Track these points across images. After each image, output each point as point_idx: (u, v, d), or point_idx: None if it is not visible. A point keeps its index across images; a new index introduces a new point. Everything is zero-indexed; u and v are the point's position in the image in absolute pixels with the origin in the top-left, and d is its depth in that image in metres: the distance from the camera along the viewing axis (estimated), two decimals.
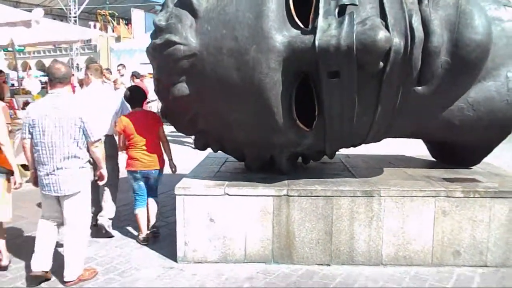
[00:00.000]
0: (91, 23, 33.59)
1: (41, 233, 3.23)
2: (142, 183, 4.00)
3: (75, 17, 22.25)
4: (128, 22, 24.60)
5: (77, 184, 3.15)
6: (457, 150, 4.16)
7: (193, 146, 5.87)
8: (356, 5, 2.95)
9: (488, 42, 3.08)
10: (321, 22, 2.94)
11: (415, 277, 3.30)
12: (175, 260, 3.50)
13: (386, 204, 3.38)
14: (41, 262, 3.15)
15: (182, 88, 3.28)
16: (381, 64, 2.90)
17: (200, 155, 4.76)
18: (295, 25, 3.05)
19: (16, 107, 6.73)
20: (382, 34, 2.76)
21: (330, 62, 2.89)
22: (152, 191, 4.10)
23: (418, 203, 3.38)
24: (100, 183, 3.53)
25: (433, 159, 4.62)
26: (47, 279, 3.22)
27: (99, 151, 3.29)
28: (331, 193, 3.40)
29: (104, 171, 3.42)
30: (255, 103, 3.11)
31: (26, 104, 7.14)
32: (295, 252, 3.45)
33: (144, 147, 3.86)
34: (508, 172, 4.17)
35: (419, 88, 3.13)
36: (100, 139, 3.32)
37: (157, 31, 3.34)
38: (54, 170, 3.07)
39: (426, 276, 3.30)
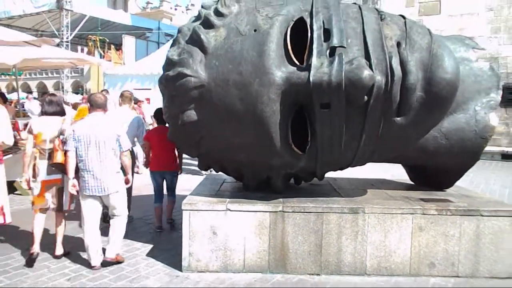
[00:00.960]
0: (80, 47, 34.21)
1: (88, 230, 3.98)
2: (159, 182, 5.18)
3: (67, 41, 22.71)
4: (118, 48, 25.06)
5: (115, 185, 3.97)
6: (432, 174, 4.64)
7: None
8: (344, 47, 3.44)
9: (456, 80, 3.58)
10: (314, 60, 3.41)
11: (395, 285, 3.71)
12: (180, 269, 3.85)
13: (370, 220, 3.82)
14: (98, 256, 3.95)
15: (191, 114, 3.71)
16: (366, 98, 3.37)
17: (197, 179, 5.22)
18: (292, 63, 3.52)
19: (20, 129, 7.04)
20: (366, 72, 3.24)
21: (322, 95, 3.36)
22: (170, 190, 5.22)
23: (398, 220, 3.82)
24: (126, 186, 4.19)
25: (412, 183, 5.10)
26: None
27: (128, 160, 4.13)
28: (321, 209, 3.83)
29: (130, 176, 4.24)
30: (256, 129, 3.54)
31: (26, 125, 7.50)
32: (289, 262, 3.85)
33: (163, 153, 5.00)
34: (477, 194, 4.67)
35: (398, 119, 3.60)
36: (128, 149, 4.10)
37: (170, 64, 3.77)
38: (97, 175, 3.88)
39: (405, 285, 3.72)
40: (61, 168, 4.00)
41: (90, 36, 25.53)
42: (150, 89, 14.11)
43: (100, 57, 33.56)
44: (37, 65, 11.36)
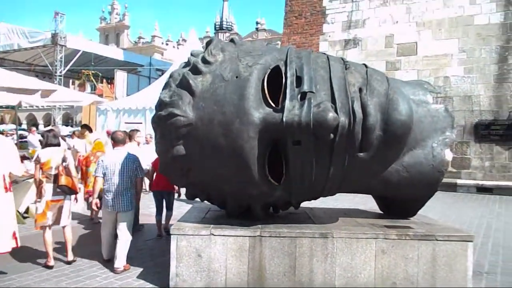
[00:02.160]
0: (71, 81, 34.84)
1: (104, 233, 5.19)
2: (160, 199, 6.49)
3: (60, 75, 23.31)
4: (110, 82, 25.70)
5: (129, 205, 5.10)
6: (397, 204, 5.15)
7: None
8: (313, 92, 4.00)
9: (410, 121, 4.14)
10: (287, 103, 3.95)
11: None
12: None
13: (338, 244, 4.30)
14: (108, 251, 5.14)
15: (180, 149, 4.20)
16: (332, 136, 3.90)
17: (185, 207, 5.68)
18: (268, 105, 4.06)
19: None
20: (331, 115, 3.78)
21: (294, 133, 3.88)
22: (167, 206, 6.59)
23: (363, 244, 4.30)
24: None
25: (381, 212, 5.60)
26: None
27: (140, 184, 5.38)
28: (295, 234, 4.30)
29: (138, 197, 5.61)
30: (237, 162, 4.04)
31: (24, 158, 7.95)
32: (266, 282, 4.28)
33: (162, 177, 5.56)
34: (437, 222, 5.16)
35: (361, 154, 4.12)
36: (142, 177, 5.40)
37: (162, 104, 4.28)
38: (117, 196, 5.02)
39: None
40: (65, 190, 4.82)
41: (83, 70, 26.15)
42: (141, 122, 14.64)
43: (92, 90, 34.25)
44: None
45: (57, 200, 4.92)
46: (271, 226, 4.43)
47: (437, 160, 4.61)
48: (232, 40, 4.72)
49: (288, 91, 4.03)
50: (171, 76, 4.46)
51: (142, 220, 6.91)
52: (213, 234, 4.28)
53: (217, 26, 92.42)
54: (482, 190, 12.84)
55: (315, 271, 4.28)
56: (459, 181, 13.12)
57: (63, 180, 4.81)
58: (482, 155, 13.22)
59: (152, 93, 15.48)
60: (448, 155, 4.70)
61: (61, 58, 23.35)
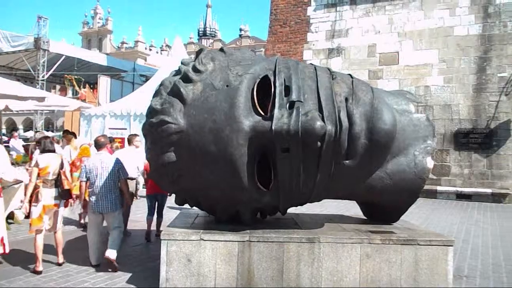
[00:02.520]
0: (52, 85, 34.44)
1: (91, 236, 5.28)
2: (153, 201, 6.76)
3: (42, 80, 23.08)
4: (93, 87, 25.51)
5: (115, 206, 5.29)
6: (380, 210, 5.31)
7: None
8: (301, 101, 4.14)
9: (393, 130, 4.30)
10: (276, 112, 4.08)
11: None
12: None
13: (324, 249, 4.43)
14: (96, 255, 5.21)
15: (171, 156, 4.29)
16: (319, 144, 4.04)
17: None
18: (258, 113, 4.18)
19: None
20: (318, 123, 3.92)
21: (283, 141, 4.01)
22: (159, 209, 6.85)
23: (348, 248, 4.44)
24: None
25: (365, 218, 5.75)
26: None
27: (124, 185, 5.51)
28: (282, 239, 4.41)
29: (127, 200, 5.76)
30: (227, 168, 4.14)
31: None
32: (255, 286, 4.38)
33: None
34: (419, 227, 5.34)
35: (347, 161, 4.27)
36: (125, 178, 5.54)
37: (153, 112, 4.37)
38: (101, 198, 5.21)
39: None
40: (66, 194, 5.10)
41: (66, 75, 25.92)
42: (125, 128, 14.61)
43: (73, 95, 33.89)
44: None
45: (54, 205, 5.12)
46: (259, 232, 4.53)
47: (419, 167, 4.77)
48: (222, 50, 4.83)
49: (277, 100, 4.16)
50: (162, 84, 4.55)
51: (129, 226, 6.94)
52: (202, 239, 4.37)
53: (200, 33, 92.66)
54: (461, 196, 13.16)
55: (302, 275, 4.40)
56: (439, 188, 13.42)
57: (66, 184, 5.17)
58: (461, 162, 13.56)
59: (136, 99, 15.49)
60: (430, 163, 4.88)
61: (43, 62, 23.11)
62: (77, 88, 25.21)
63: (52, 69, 23.56)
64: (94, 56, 28.54)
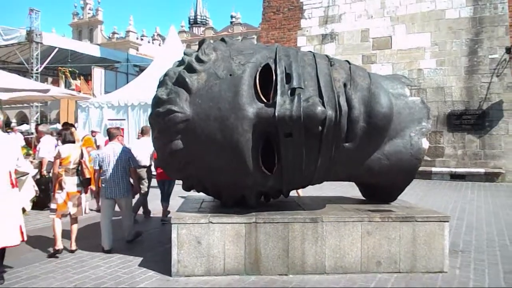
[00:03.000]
0: (45, 78, 34.34)
1: (104, 221, 5.61)
2: (163, 187, 7.30)
3: (36, 73, 23.06)
4: (87, 79, 25.52)
5: (126, 192, 5.75)
6: (379, 190, 5.54)
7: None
8: (302, 88, 4.33)
9: (390, 113, 4.51)
10: (279, 99, 4.27)
11: (349, 281, 4.52)
12: (170, 275, 4.54)
13: (327, 228, 4.66)
14: (108, 240, 5.51)
15: (178, 144, 4.47)
16: (320, 128, 4.24)
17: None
18: (261, 100, 4.37)
19: None
20: (319, 108, 4.12)
21: (286, 126, 4.20)
22: (166, 195, 7.31)
23: (350, 226, 4.68)
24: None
25: (363, 198, 5.99)
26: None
27: (134, 174, 5.95)
28: (287, 220, 4.64)
29: (135, 188, 6.12)
30: (233, 154, 4.34)
31: None
32: (262, 265, 4.61)
33: None
34: (416, 205, 5.59)
35: (347, 144, 4.48)
36: (135, 167, 6.03)
37: (159, 102, 4.54)
38: (113, 185, 5.64)
39: (356, 280, 4.54)
40: (87, 182, 5.53)
41: (59, 67, 25.88)
42: (124, 119, 14.75)
43: (66, 87, 33.81)
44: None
45: (76, 192, 5.56)
46: (265, 213, 4.75)
47: (415, 148, 4.98)
48: (223, 40, 5.00)
49: (278, 87, 4.34)
50: (166, 74, 4.71)
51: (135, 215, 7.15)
52: (211, 222, 4.58)
53: (191, 21, 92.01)
54: (455, 177, 13.46)
55: (306, 253, 4.63)
56: (433, 169, 13.72)
57: (87, 173, 5.62)
58: (455, 143, 13.84)
59: (133, 90, 15.60)
60: (425, 144, 5.09)
61: (37, 55, 23.08)
62: (71, 80, 25.17)
63: (46, 62, 23.53)
64: (87, 48, 28.50)
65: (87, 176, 5.61)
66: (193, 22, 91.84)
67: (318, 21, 16.14)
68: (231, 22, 71.27)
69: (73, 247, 5.46)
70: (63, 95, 10.27)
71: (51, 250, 5.42)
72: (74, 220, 5.62)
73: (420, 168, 6.26)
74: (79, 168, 5.58)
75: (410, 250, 4.72)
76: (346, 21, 15.63)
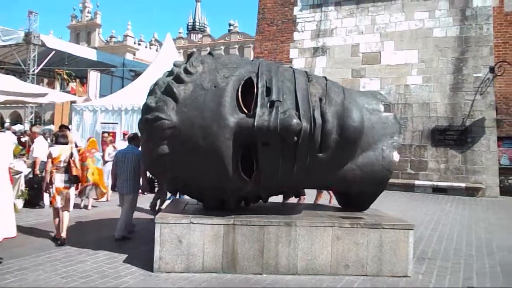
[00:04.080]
0: (41, 79, 34.58)
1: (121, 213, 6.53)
2: None
3: (33, 74, 23.34)
4: (83, 82, 25.81)
5: (131, 189, 6.48)
6: (352, 199, 5.90)
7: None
8: (280, 101, 4.69)
9: (361, 127, 4.88)
10: (258, 110, 4.63)
11: (318, 281, 4.86)
12: (152, 271, 4.86)
13: (300, 231, 5.00)
14: (119, 231, 6.31)
15: (165, 148, 4.82)
16: (295, 138, 4.60)
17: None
18: (242, 111, 4.73)
19: None
20: (295, 121, 4.49)
21: (263, 136, 4.56)
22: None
23: (321, 231, 5.02)
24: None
25: (339, 206, 6.35)
26: None
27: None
28: (263, 223, 4.98)
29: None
30: (215, 160, 4.69)
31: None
32: (238, 265, 4.94)
33: None
34: (386, 214, 5.94)
35: (320, 154, 4.83)
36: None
37: (148, 109, 4.89)
38: (123, 182, 6.43)
39: (326, 281, 4.88)
40: (74, 179, 6.07)
41: (56, 70, 26.17)
42: (117, 123, 15.06)
43: (61, 89, 34.05)
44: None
45: (64, 187, 6.14)
46: (243, 216, 5.09)
47: (386, 160, 5.35)
48: (210, 53, 5.37)
49: (259, 99, 4.71)
50: (156, 84, 5.07)
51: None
52: (192, 223, 4.92)
53: (189, 27, 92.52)
54: (437, 190, 13.86)
55: (280, 255, 4.97)
56: (416, 182, 14.11)
57: (74, 171, 6.15)
58: (438, 158, 14.25)
59: (127, 94, 15.93)
60: (396, 157, 5.46)
61: (34, 57, 23.37)
62: (69, 81, 25.44)
63: (43, 63, 23.82)
64: (84, 51, 28.78)
65: (75, 173, 6.14)
66: (191, 29, 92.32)
67: (310, 34, 16.59)
68: (229, 30, 71.76)
69: (63, 235, 5.99)
70: (61, 100, 10.62)
71: (41, 244, 5.77)
72: (64, 211, 6.13)
73: (404, 181, 6.67)
74: (68, 166, 6.14)
75: (377, 255, 5.07)
76: (337, 36, 16.10)
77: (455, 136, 14.02)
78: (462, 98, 14.16)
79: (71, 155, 6.22)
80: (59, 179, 6.09)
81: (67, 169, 6.13)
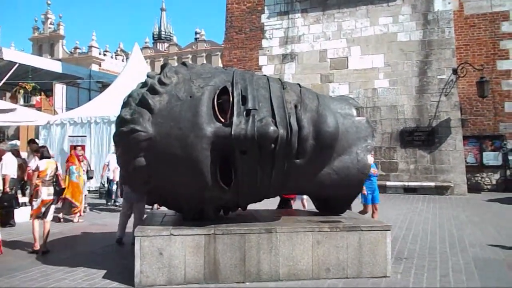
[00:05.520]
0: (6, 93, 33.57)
1: (120, 219, 6.99)
2: None
3: None
4: (49, 95, 25.20)
5: (143, 196, 6.14)
6: (330, 203, 5.98)
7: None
8: (256, 109, 4.73)
9: (336, 132, 4.97)
10: (235, 119, 4.66)
11: (301, 286, 4.90)
12: (133, 285, 4.79)
13: (281, 238, 5.04)
14: (121, 232, 6.86)
15: (141, 160, 4.77)
16: (273, 146, 4.65)
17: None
18: (218, 120, 4.74)
19: None
20: (272, 128, 4.53)
21: (241, 144, 4.58)
22: None
23: (301, 236, 5.07)
24: None
25: (317, 211, 6.42)
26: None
27: None
28: (244, 231, 4.99)
29: None
30: (193, 170, 4.68)
31: None
32: (220, 274, 4.93)
33: None
34: (363, 217, 6.06)
35: (298, 160, 4.89)
36: None
37: (123, 121, 4.83)
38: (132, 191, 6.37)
39: (308, 285, 4.92)
40: (61, 191, 6.49)
41: (21, 83, 25.47)
42: (85, 135, 14.76)
43: (25, 102, 33.15)
44: None
45: (49, 200, 6.50)
46: (223, 225, 5.09)
47: (361, 164, 5.44)
48: (184, 63, 5.37)
49: (235, 108, 4.74)
50: (130, 95, 5.02)
51: (96, 229, 7.33)
52: (172, 234, 4.88)
53: (155, 36, 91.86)
54: (408, 190, 14.21)
55: (262, 262, 4.98)
56: (388, 183, 14.42)
57: (63, 184, 6.59)
58: (408, 159, 14.62)
59: (96, 106, 15.65)
60: (370, 160, 5.59)
61: None
62: (35, 94, 24.81)
63: (6, 77, 23.13)
64: (49, 63, 28.08)
65: (63, 186, 6.58)
66: (157, 38, 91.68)
67: (278, 41, 16.77)
68: (196, 39, 71.60)
69: (43, 247, 6.20)
70: (32, 121, 10.53)
71: (15, 264, 5.59)
72: (46, 224, 6.43)
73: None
74: (55, 179, 6.61)
75: (357, 257, 5.15)
76: (305, 42, 16.34)
77: (423, 137, 14.43)
78: (428, 100, 14.59)
79: (56, 168, 6.65)
80: (45, 193, 6.43)
81: (53, 182, 6.55)
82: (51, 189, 6.51)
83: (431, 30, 14.85)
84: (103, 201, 12.31)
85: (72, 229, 8.19)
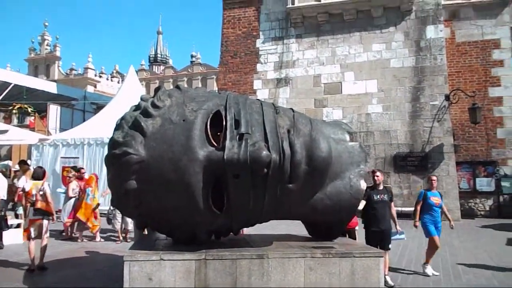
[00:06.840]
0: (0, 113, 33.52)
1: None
2: None
3: None
4: (43, 116, 25.15)
5: None
6: (322, 228, 5.94)
7: None
8: (249, 133, 4.73)
9: (329, 157, 4.97)
10: (228, 143, 4.65)
11: None
12: None
13: (272, 264, 4.97)
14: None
15: (133, 183, 4.73)
16: (265, 170, 4.63)
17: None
18: (211, 144, 4.73)
19: None
20: (264, 153, 4.52)
21: (234, 168, 4.56)
22: None
23: (293, 262, 5.00)
24: None
25: (310, 236, 6.37)
26: None
27: None
28: (235, 256, 4.92)
29: None
30: (185, 194, 4.64)
31: None
32: None
33: None
34: (356, 243, 6.01)
35: (290, 185, 4.87)
36: None
37: (116, 144, 4.81)
38: None
39: None
40: (41, 212, 6.47)
41: (15, 104, 25.45)
42: (78, 157, 14.69)
43: (19, 123, 33.06)
44: None
45: (36, 219, 6.73)
46: (214, 250, 5.02)
47: (354, 189, 5.44)
48: (177, 87, 5.38)
49: (228, 132, 4.74)
50: (123, 118, 5.02)
51: (89, 248, 7.21)
52: (162, 259, 4.80)
53: (151, 59, 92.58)
54: (402, 215, 14.07)
55: None
56: None
57: (38, 205, 6.68)
58: (401, 184, 14.62)
59: (89, 128, 15.63)
60: (363, 185, 5.57)
61: None
62: (29, 114, 24.75)
63: (0, 97, 23.11)
64: (44, 84, 28.13)
65: (38, 206, 6.66)
66: (153, 61, 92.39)
67: (273, 66, 16.94)
68: (191, 62, 72.19)
69: (40, 263, 6.59)
70: (25, 141, 10.54)
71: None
72: (43, 242, 6.70)
73: None
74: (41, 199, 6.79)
75: (349, 284, 5.07)
76: (299, 67, 16.51)
77: (416, 162, 14.47)
78: (421, 125, 14.69)
79: (40, 189, 6.77)
80: (31, 213, 6.74)
81: (32, 203, 6.76)
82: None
83: (424, 57, 15.07)
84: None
85: (62, 253, 8.05)
